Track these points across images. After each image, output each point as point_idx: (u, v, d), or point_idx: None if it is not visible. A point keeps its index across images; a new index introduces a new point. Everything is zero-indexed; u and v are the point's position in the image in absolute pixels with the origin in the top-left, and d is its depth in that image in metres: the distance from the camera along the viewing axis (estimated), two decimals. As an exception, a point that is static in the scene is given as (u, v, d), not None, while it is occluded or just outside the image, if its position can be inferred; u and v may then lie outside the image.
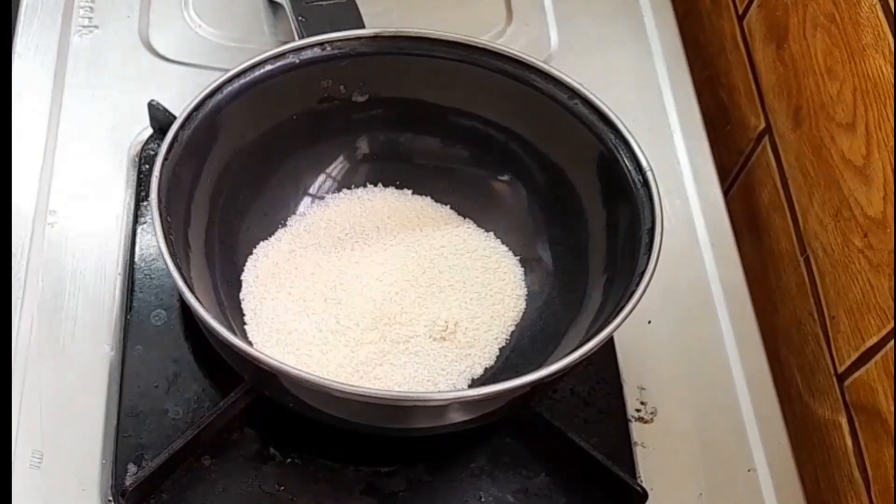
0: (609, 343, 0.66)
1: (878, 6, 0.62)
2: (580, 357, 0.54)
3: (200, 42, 0.80)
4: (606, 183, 0.64)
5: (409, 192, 0.70)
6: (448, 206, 0.70)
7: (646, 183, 0.61)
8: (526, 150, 0.68)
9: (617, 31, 0.85)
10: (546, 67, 0.65)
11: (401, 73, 0.67)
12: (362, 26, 0.68)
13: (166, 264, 0.55)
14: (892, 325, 0.60)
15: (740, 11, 0.83)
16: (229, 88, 0.63)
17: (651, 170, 0.61)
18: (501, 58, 0.66)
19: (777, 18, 0.76)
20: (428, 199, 0.70)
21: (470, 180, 0.70)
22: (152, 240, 0.68)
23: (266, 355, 0.53)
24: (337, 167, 0.70)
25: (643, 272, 0.57)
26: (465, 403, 0.57)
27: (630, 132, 0.62)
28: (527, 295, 0.67)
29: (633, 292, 0.56)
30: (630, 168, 0.62)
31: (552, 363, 0.54)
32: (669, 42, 0.84)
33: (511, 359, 0.64)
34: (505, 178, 0.70)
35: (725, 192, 0.78)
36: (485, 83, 0.67)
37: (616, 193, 0.63)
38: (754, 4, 0.80)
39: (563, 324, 0.64)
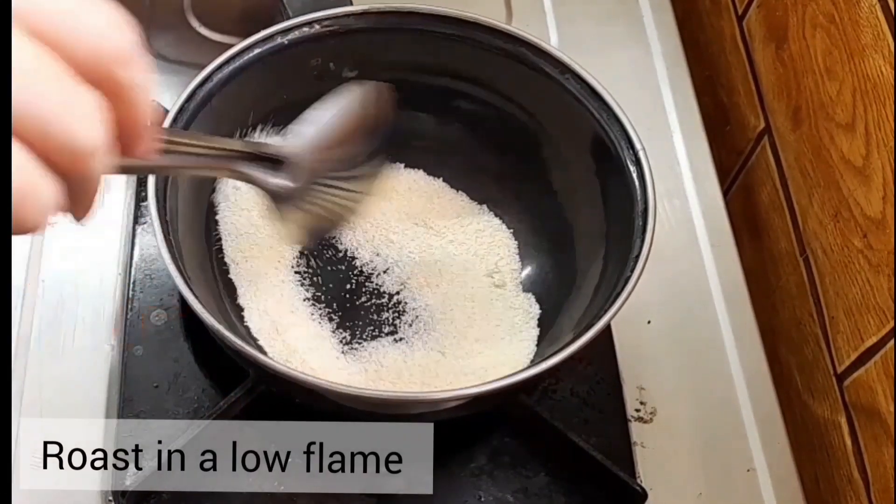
0: (609, 343, 0.66)
1: (878, 6, 0.62)
2: (576, 350, 0.54)
3: (200, 42, 0.80)
4: (600, 162, 0.63)
5: (402, 165, 0.70)
6: (441, 179, 0.70)
7: (638, 162, 0.60)
8: (518, 126, 0.68)
9: (617, 31, 0.85)
10: (538, 41, 0.64)
11: (391, 48, 0.67)
12: (350, 3, 0.67)
13: (166, 264, 0.55)
14: (892, 325, 0.60)
15: (740, 12, 0.83)
16: (219, 75, 0.62)
17: (643, 149, 0.60)
18: (493, 32, 0.65)
19: (777, 19, 0.76)
20: (420, 172, 0.70)
21: (464, 157, 0.70)
22: (152, 240, 0.68)
23: (267, 356, 0.54)
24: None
25: (637, 256, 0.57)
26: (462, 399, 0.56)
27: (623, 109, 0.62)
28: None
29: (628, 278, 0.56)
30: (623, 147, 0.61)
31: (550, 349, 0.54)
32: (669, 42, 0.84)
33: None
34: (497, 154, 0.69)
35: (725, 193, 0.78)
36: (477, 58, 0.66)
37: (609, 173, 0.62)
38: (754, 5, 0.80)
39: (557, 308, 0.64)
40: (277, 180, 0.52)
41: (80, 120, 0.31)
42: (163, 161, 0.44)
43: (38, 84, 0.30)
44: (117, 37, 0.33)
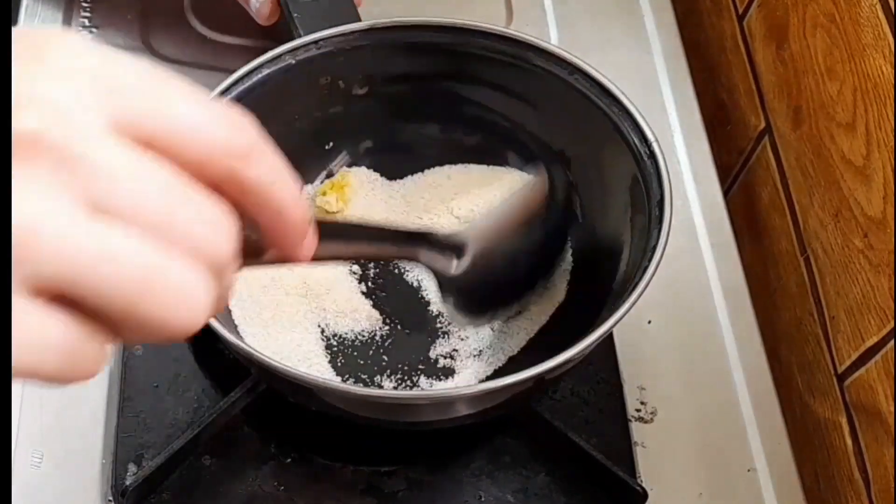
0: (609, 343, 0.66)
1: (878, 6, 0.62)
2: (577, 353, 0.54)
3: (200, 42, 0.79)
4: (616, 156, 0.63)
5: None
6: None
7: (652, 155, 0.60)
8: (529, 133, 0.68)
9: (617, 31, 0.85)
10: (542, 43, 0.64)
11: (398, 62, 0.67)
12: (358, 19, 0.68)
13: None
14: (892, 324, 0.60)
15: (740, 11, 0.83)
16: (227, 98, 0.62)
17: (657, 141, 0.60)
18: (497, 38, 0.65)
19: (777, 18, 0.76)
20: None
21: (474, 163, 0.70)
22: (152, 240, 0.68)
23: (267, 357, 0.53)
24: (341, 163, 0.70)
25: (655, 246, 0.56)
26: (470, 399, 0.56)
27: (632, 102, 0.61)
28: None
29: (645, 268, 0.55)
30: (636, 141, 0.61)
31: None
32: (669, 42, 0.84)
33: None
34: (508, 159, 0.69)
35: (725, 192, 0.78)
36: (483, 64, 0.66)
37: (626, 167, 0.62)
38: (754, 4, 0.80)
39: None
40: (441, 264, 0.54)
41: (205, 237, 0.29)
42: (328, 251, 0.41)
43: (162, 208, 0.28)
44: (232, 134, 0.30)
